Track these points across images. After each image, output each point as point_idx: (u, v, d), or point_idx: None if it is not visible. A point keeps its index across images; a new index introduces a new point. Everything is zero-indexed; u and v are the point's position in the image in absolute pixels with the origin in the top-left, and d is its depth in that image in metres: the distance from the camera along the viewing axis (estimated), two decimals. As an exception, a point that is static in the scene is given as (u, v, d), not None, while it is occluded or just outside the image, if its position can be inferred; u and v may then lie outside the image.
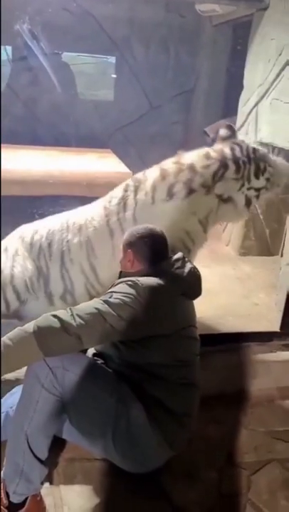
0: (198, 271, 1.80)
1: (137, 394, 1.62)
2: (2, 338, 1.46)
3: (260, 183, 2.08)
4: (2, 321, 2.16)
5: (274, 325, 2.53)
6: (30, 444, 1.54)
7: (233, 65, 4.29)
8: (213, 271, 3.34)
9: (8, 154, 3.43)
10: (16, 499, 1.56)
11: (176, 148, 5.15)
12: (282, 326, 2.47)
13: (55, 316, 1.49)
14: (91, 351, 1.80)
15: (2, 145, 3.09)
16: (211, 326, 2.52)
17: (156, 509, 1.68)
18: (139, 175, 2.21)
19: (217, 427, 2.07)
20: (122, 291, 1.58)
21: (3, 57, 4.67)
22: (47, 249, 2.19)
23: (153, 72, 4.94)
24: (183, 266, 1.74)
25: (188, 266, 1.75)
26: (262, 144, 3.52)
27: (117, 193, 2.19)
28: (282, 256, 3.60)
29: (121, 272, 1.79)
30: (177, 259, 1.75)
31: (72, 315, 1.50)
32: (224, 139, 2.21)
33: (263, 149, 2.08)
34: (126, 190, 2.16)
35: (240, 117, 3.82)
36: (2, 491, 1.57)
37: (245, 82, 3.75)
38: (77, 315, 1.50)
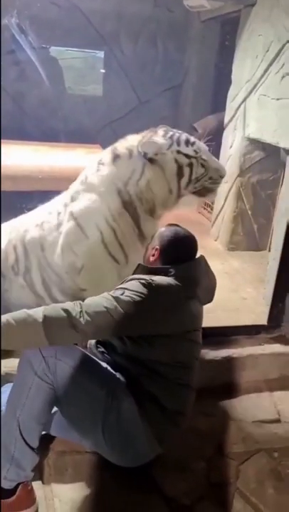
0: (214, 278, 1.84)
1: (133, 387, 1.65)
2: (3, 316, 1.46)
3: (189, 150, 1.92)
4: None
5: (261, 318, 2.58)
6: (21, 431, 1.56)
7: (222, 61, 4.30)
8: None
9: (-3, 149, 3.41)
10: (6, 485, 1.58)
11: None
12: (269, 320, 2.51)
13: (64, 310, 1.49)
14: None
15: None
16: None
17: (147, 501, 1.70)
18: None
19: (206, 419, 2.10)
20: (134, 289, 1.58)
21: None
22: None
23: (141, 67, 4.94)
24: (201, 271, 1.77)
25: (206, 272, 1.79)
26: (250, 139, 3.57)
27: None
28: (269, 251, 3.65)
29: (139, 264, 1.78)
30: (199, 263, 1.77)
31: (81, 312, 1.50)
32: None
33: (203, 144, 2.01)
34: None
35: (228, 113, 3.85)
36: None
37: (233, 78, 3.78)
38: (86, 312, 1.50)
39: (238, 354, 2.37)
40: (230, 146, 3.79)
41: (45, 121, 4.47)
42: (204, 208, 4.90)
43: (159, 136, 1.95)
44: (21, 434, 1.57)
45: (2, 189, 2.91)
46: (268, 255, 3.72)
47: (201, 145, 1.97)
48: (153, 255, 1.78)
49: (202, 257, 1.80)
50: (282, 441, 2.03)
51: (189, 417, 1.76)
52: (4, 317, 1.46)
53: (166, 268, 1.70)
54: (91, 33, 4.76)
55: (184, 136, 1.96)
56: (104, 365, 1.71)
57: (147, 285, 1.59)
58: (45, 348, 1.57)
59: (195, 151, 1.92)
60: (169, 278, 1.66)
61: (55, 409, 1.72)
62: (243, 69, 3.57)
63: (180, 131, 2.01)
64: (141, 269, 1.74)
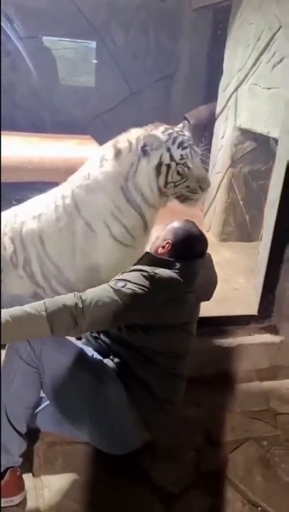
0: (216, 277, 1.87)
1: (124, 373, 1.66)
2: (3, 312, 1.46)
3: (176, 152, 1.93)
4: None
5: (252, 308, 2.58)
6: (8, 415, 1.57)
7: (214, 50, 4.27)
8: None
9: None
10: None
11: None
12: (259, 310, 2.52)
13: (66, 305, 1.50)
14: None
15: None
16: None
17: (136, 490, 1.71)
18: None
19: (196, 408, 2.11)
20: (136, 281, 1.60)
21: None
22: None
23: (133, 57, 4.89)
24: (205, 269, 1.79)
25: (210, 270, 1.82)
26: (241, 129, 3.56)
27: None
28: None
29: (146, 253, 1.79)
30: (205, 262, 1.80)
31: (82, 308, 1.50)
32: None
33: (197, 151, 2.03)
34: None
35: (220, 103, 3.84)
36: None
37: (225, 67, 3.76)
38: (88, 307, 1.51)
39: (229, 344, 2.38)
40: (222, 137, 3.78)
41: (35, 112, 4.42)
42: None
43: (160, 131, 1.97)
44: (8, 419, 1.57)
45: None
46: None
47: (193, 152, 1.97)
48: (163, 247, 1.78)
49: (208, 256, 1.83)
50: (271, 429, 2.05)
51: (178, 406, 1.77)
52: (5, 314, 1.45)
53: (172, 261, 1.71)
54: (82, 23, 4.70)
55: (181, 138, 1.96)
56: (91, 350, 1.72)
57: (149, 278, 1.61)
58: None
59: (181, 155, 1.93)
60: (172, 271, 1.67)
61: (43, 405, 1.73)
62: (235, 58, 3.55)
63: (180, 132, 2.01)
64: (147, 257, 1.75)
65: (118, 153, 2.02)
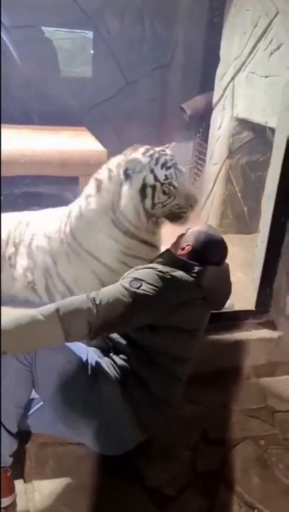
0: (230, 288, 1.85)
1: (124, 369, 1.64)
2: (9, 318, 1.43)
3: (160, 173, 1.94)
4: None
5: (250, 303, 2.52)
6: None
7: (210, 38, 4.15)
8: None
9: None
10: None
11: (152, 126, 5.05)
12: (257, 304, 2.46)
13: (79, 311, 1.47)
14: None
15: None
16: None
17: (132, 492, 1.67)
18: None
19: (192, 406, 2.06)
20: (152, 282, 1.57)
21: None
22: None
23: (128, 46, 4.77)
24: (222, 278, 1.78)
25: (226, 280, 1.80)
26: (239, 119, 3.47)
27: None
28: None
29: (168, 250, 1.78)
30: (223, 271, 1.78)
31: (97, 313, 1.47)
32: None
33: (181, 169, 2.03)
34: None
35: (216, 92, 3.74)
36: None
37: (221, 56, 3.66)
38: (103, 312, 1.48)
39: (226, 340, 2.32)
40: (219, 127, 3.69)
41: (28, 103, 4.32)
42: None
43: (140, 153, 1.97)
44: None
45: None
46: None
47: (177, 171, 1.98)
48: (183, 249, 1.77)
49: (226, 265, 1.81)
50: (269, 428, 2.01)
51: (174, 407, 1.74)
52: (11, 321, 1.42)
53: (191, 264, 1.68)
54: (76, 12, 4.58)
55: (164, 158, 1.97)
56: (84, 347, 1.69)
57: (165, 279, 1.59)
58: None
59: (166, 175, 1.93)
60: (188, 276, 1.65)
61: (35, 407, 1.70)
62: (231, 46, 3.45)
63: (162, 151, 2.01)
64: (167, 255, 1.74)
65: (99, 184, 2.03)
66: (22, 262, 2.24)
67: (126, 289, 1.55)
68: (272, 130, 2.88)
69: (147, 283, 1.57)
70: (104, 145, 3.63)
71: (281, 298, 2.40)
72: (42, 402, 1.69)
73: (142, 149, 2.00)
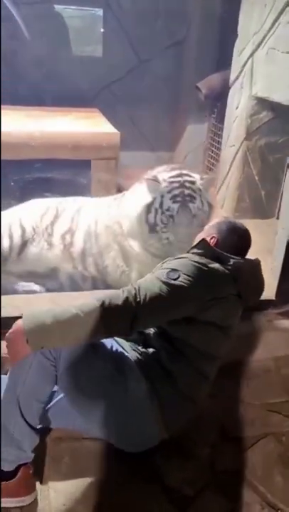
0: (264, 283, 1.78)
1: (151, 362, 1.58)
2: (72, 310, 1.40)
3: (166, 204, 2.22)
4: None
5: (270, 292, 2.41)
6: (21, 409, 1.50)
7: (227, 12, 3.95)
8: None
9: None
10: (6, 467, 1.52)
11: (166, 106, 4.88)
12: (277, 294, 2.36)
13: (121, 307, 1.42)
14: None
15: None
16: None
17: (149, 491, 1.60)
18: None
19: (211, 400, 1.97)
20: (189, 273, 1.52)
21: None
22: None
23: (141, 23, 4.59)
24: (255, 273, 1.73)
25: (258, 275, 1.75)
26: (257, 98, 3.31)
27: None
28: (278, 218, 3.46)
29: (203, 239, 1.72)
30: (255, 266, 1.73)
31: (139, 309, 1.43)
32: None
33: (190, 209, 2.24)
34: None
35: (234, 69, 3.58)
36: None
37: (239, 31, 3.48)
38: (144, 307, 1.43)
39: (245, 331, 2.23)
40: (237, 107, 3.53)
41: (37, 83, 4.19)
42: (207, 173, 4.67)
43: (166, 175, 2.27)
44: (21, 413, 1.50)
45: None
46: (276, 223, 3.53)
47: (181, 209, 2.21)
48: (211, 238, 1.72)
49: (257, 260, 1.76)
50: (291, 424, 1.92)
51: (199, 406, 1.67)
52: (54, 315, 1.37)
53: (227, 257, 1.63)
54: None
55: (179, 191, 2.22)
56: (110, 340, 1.63)
57: (203, 271, 1.54)
58: None
59: (168, 207, 2.22)
60: (224, 269, 1.60)
61: (53, 401, 1.64)
62: (251, 20, 3.27)
63: (187, 183, 2.24)
64: (202, 245, 1.66)
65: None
66: (62, 226, 2.51)
67: (164, 282, 1.49)
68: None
69: (185, 274, 1.51)
70: (116, 127, 3.51)
71: (304, 287, 2.30)
72: (60, 396, 1.63)
73: (173, 172, 2.26)
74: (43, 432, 1.70)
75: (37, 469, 1.63)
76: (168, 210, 2.21)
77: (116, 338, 1.66)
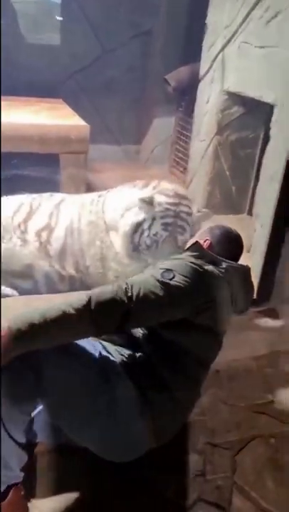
0: (253, 291, 1.77)
1: (144, 369, 1.50)
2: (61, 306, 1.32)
3: (155, 228, 2.20)
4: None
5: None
6: (5, 424, 1.36)
7: (196, 3, 3.88)
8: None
9: None
10: None
11: (133, 98, 4.76)
12: (258, 292, 2.33)
13: (112, 304, 1.36)
14: None
15: None
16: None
17: (139, 503, 1.53)
18: None
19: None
20: (184, 274, 1.47)
21: None
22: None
23: (104, 11, 4.44)
24: (243, 279, 1.67)
25: (248, 282, 1.71)
26: (229, 93, 3.28)
27: None
28: (248, 214, 3.46)
29: (196, 242, 1.67)
30: (246, 272, 1.70)
31: (130, 306, 1.36)
32: None
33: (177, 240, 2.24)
34: None
35: (204, 63, 3.53)
36: None
37: (209, 24, 3.43)
38: (137, 304, 1.37)
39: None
40: (207, 101, 3.49)
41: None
42: (174, 167, 4.62)
43: (162, 198, 2.23)
44: (5, 428, 1.36)
45: None
46: (248, 219, 3.54)
47: (168, 238, 2.20)
48: (204, 242, 1.69)
49: (248, 267, 1.73)
50: (278, 425, 1.90)
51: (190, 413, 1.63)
52: (38, 314, 1.30)
53: (220, 260, 1.60)
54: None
55: (171, 220, 2.21)
56: (97, 344, 1.53)
57: (198, 272, 1.49)
58: None
59: (156, 232, 2.21)
60: (218, 271, 1.56)
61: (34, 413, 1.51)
62: (222, 13, 3.22)
63: (183, 214, 2.23)
64: (196, 248, 1.62)
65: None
66: (38, 222, 2.41)
67: (158, 280, 1.43)
68: (270, 105, 2.71)
69: (180, 274, 1.46)
70: (82, 118, 3.37)
71: (284, 285, 2.29)
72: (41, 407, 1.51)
73: (169, 199, 2.22)
74: (29, 446, 1.59)
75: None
76: (155, 235, 2.21)
77: (102, 342, 1.57)
